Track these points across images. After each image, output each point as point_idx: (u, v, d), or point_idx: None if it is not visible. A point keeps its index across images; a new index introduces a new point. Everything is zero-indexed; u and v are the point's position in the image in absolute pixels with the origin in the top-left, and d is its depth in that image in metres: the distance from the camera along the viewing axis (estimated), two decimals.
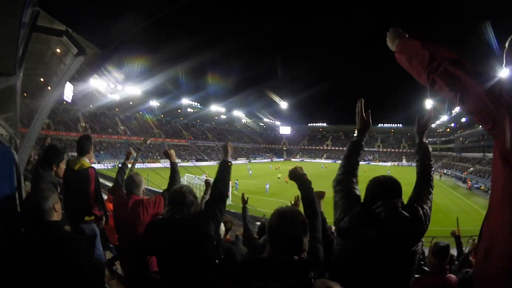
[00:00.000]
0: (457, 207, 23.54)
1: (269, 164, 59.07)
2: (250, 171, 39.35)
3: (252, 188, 28.74)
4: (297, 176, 2.00)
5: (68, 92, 27.65)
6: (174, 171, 2.79)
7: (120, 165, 3.44)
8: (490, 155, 41.67)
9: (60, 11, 3.42)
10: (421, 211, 1.44)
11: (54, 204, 1.77)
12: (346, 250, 1.50)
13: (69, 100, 31.29)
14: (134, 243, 2.32)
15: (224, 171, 2.08)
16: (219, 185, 2.03)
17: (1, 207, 1.98)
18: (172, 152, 2.93)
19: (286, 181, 28.04)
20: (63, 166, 2.90)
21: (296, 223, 1.33)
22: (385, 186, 1.47)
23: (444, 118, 65.84)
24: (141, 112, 61.82)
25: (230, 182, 2.18)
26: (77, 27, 3.55)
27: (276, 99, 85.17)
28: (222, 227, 2.58)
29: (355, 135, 1.73)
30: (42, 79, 17.84)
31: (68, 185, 3.04)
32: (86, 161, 3.12)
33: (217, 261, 2.01)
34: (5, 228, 1.86)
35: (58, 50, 10.12)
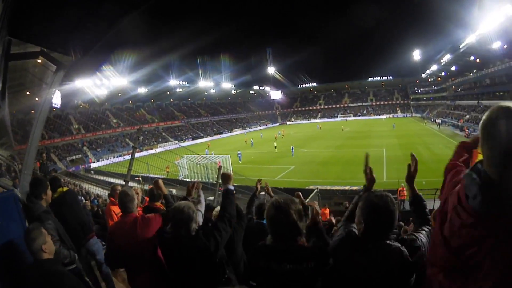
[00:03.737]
0: None
1: (267, 130, 59.25)
2: (252, 141, 39.71)
3: (252, 158, 29.23)
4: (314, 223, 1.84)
5: (56, 98, 26.76)
6: (168, 202, 2.71)
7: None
8: (485, 102, 41.29)
9: (31, 34, 3.38)
10: (418, 242, 1.44)
11: (42, 245, 1.91)
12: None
13: (58, 106, 30.62)
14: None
15: (227, 199, 2.25)
16: (228, 209, 2.21)
17: (16, 246, 2.17)
18: (160, 182, 2.78)
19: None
20: (50, 192, 2.87)
21: (290, 213, 1.44)
22: (381, 214, 1.39)
23: (434, 67, 61.86)
24: (131, 102, 60.45)
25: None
26: (51, 44, 3.52)
27: (264, 65, 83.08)
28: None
29: (361, 188, 1.75)
30: (28, 92, 17.39)
31: (57, 214, 2.97)
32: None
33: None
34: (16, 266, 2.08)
35: (36, 70, 9.74)
